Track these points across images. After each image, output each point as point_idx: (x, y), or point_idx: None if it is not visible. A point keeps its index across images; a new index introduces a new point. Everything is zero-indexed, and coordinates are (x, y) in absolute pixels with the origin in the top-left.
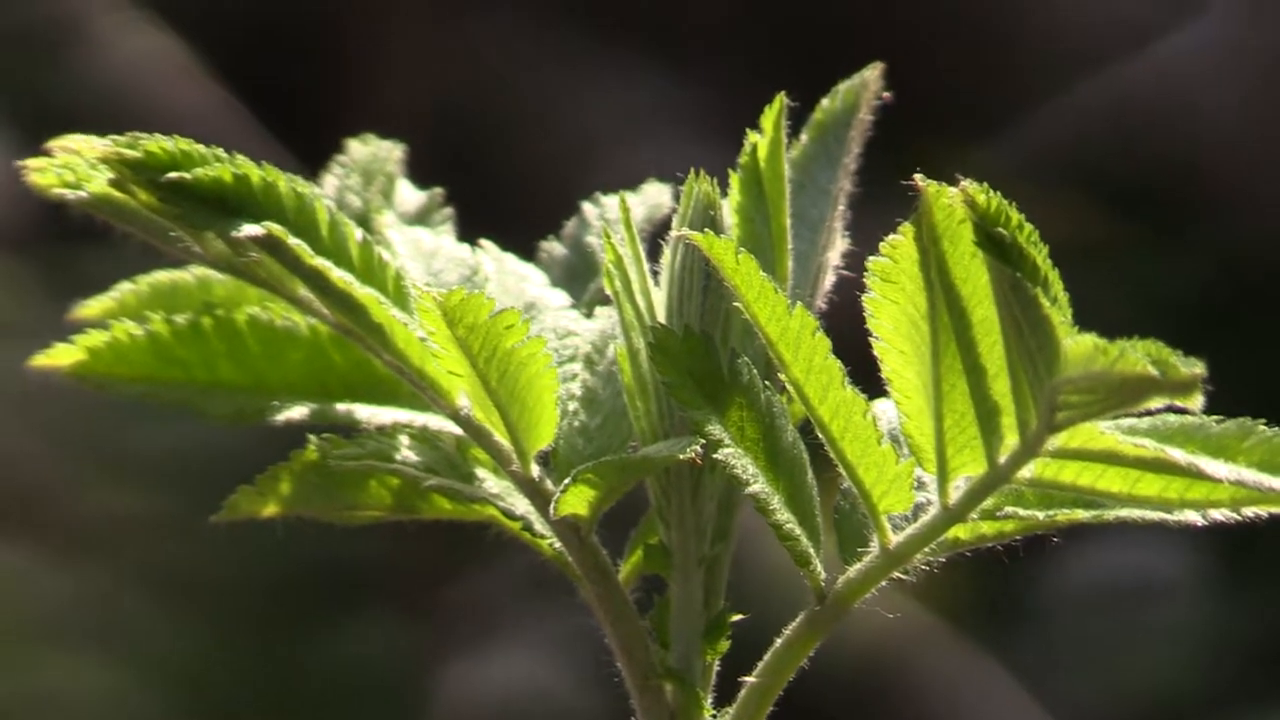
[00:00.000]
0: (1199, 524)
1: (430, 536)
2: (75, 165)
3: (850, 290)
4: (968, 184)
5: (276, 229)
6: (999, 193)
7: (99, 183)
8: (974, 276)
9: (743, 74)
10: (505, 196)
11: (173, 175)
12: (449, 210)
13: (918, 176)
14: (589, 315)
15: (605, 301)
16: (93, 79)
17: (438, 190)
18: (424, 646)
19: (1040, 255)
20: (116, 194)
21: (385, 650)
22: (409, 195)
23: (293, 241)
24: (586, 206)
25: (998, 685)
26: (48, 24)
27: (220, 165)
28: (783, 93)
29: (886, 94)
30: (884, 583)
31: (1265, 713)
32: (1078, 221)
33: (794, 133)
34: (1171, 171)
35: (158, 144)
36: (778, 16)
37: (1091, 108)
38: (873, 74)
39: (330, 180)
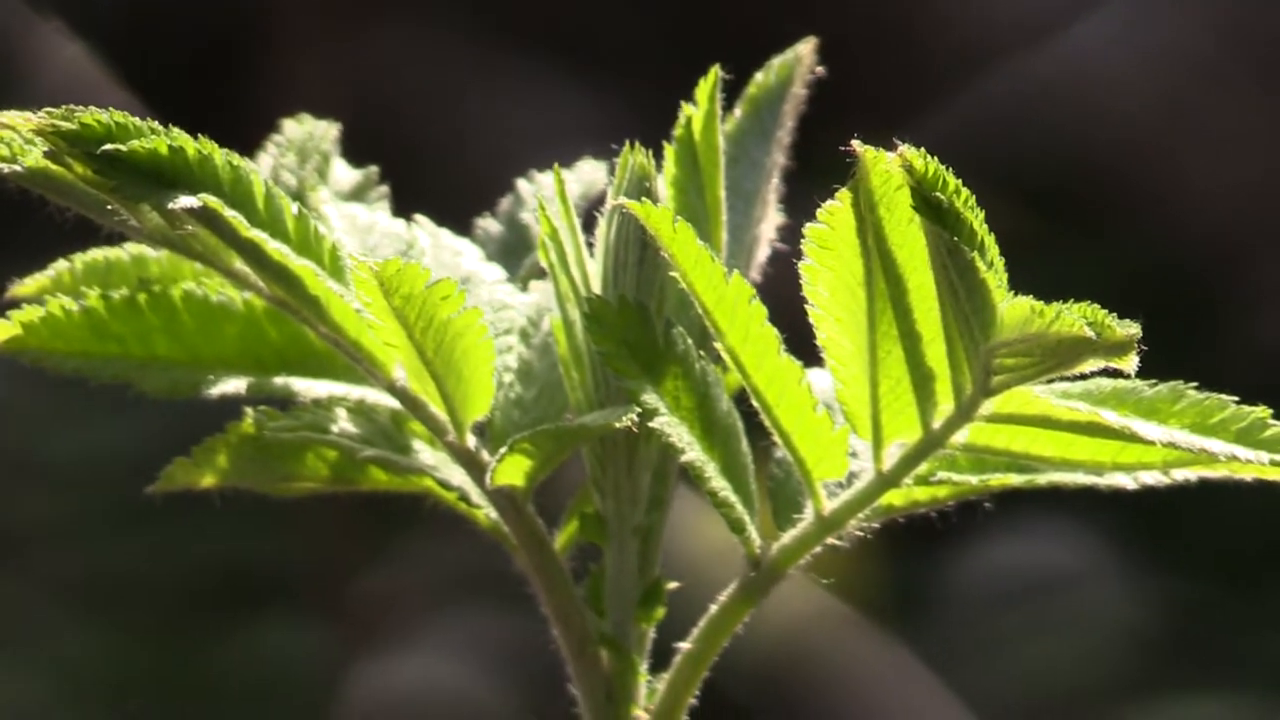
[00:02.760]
0: (1129, 488)
1: (343, 535)
2: (10, 140)
3: (783, 264)
4: (906, 149)
5: (212, 201)
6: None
7: (34, 156)
8: (911, 242)
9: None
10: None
11: (108, 147)
12: (384, 188)
13: (855, 142)
14: (524, 289)
15: (541, 276)
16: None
17: (372, 168)
18: (337, 647)
19: (977, 220)
20: (53, 167)
21: (298, 651)
22: (344, 173)
23: (229, 213)
24: (522, 183)
25: (908, 674)
26: None
27: (156, 137)
28: (717, 65)
29: (819, 69)
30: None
31: (1171, 702)
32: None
33: (729, 107)
34: (1085, 165)
35: (93, 116)
36: (694, 31)
37: (1002, 101)
38: (806, 48)
39: (265, 159)
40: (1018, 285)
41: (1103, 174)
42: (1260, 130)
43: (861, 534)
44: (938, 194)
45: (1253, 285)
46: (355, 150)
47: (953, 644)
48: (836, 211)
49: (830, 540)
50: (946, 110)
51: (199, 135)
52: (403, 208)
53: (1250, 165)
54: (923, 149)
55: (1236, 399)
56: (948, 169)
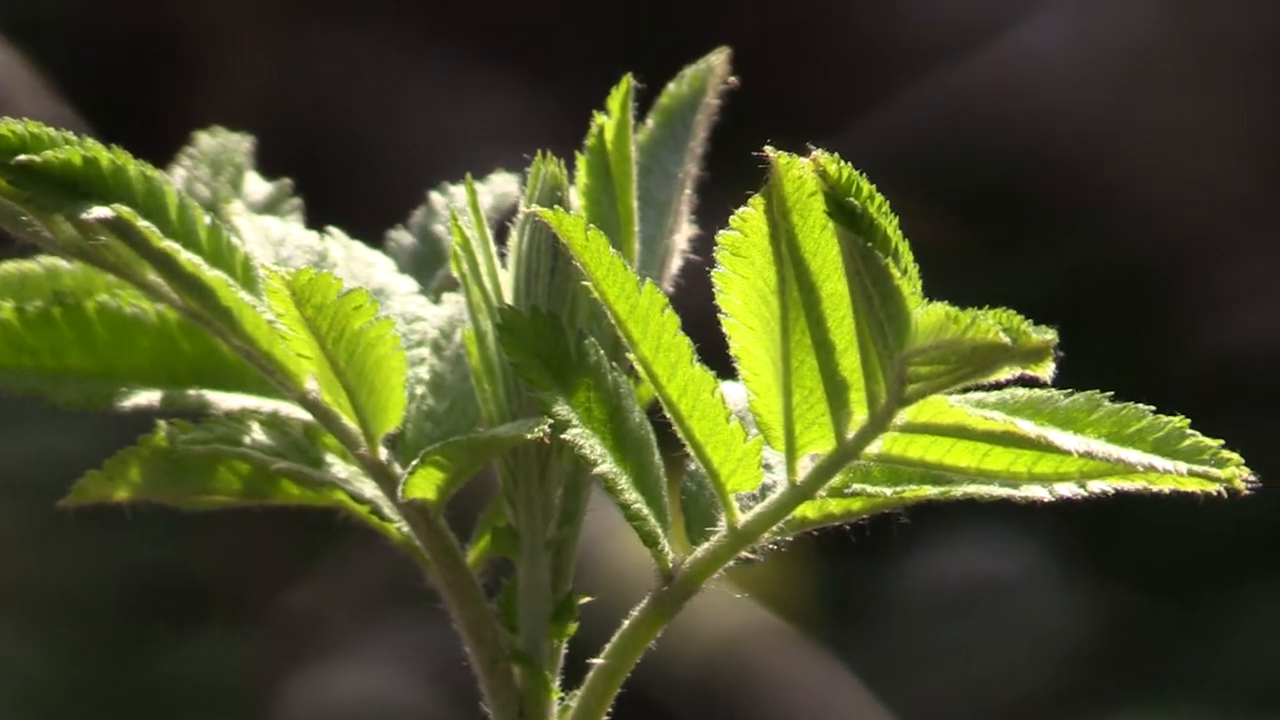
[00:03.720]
0: (1045, 499)
1: (272, 545)
2: None
3: (697, 275)
4: (819, 154)
5: (125, 211)
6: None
7: None
8: (824, 250)
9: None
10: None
11: (22, 157)
12: (297, 200)
13: (768, 148)
14: (437, 301)
15: (454, 288)
16: None
17: (285, 180)
18: (266, 657)
19: (891, 226)
20: None
21: (227, 661)
22: (257, 186)
23: (141, 224)
24: (434, 196)
25: (841, 686)
26: None
27: (70, 148)
28: (629, 74)
29: (732, 79)
30: (730, 566)
31: (1110, 713)
32: (928, 223)
33: (642, 117)
34: (1023, 171)
35: (7, 127)
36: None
37: (940, 105)
38: (719, 59)
39: (179, 171)
40: (961, 292)
41: (1049, 176)
42: (1208, 129)
43: (778, 546)
44: (851, 199)
45: (1203, 288)
46: (282, 161)
47: (889, 655)
48: (749, 218)
49: (744, 553)
50: (888, 114)
51: (124, 143)
52: (326, 218)
53: (1198, 165)
54: (836, 154)
55: (1154, 408)
56: (862, 174)
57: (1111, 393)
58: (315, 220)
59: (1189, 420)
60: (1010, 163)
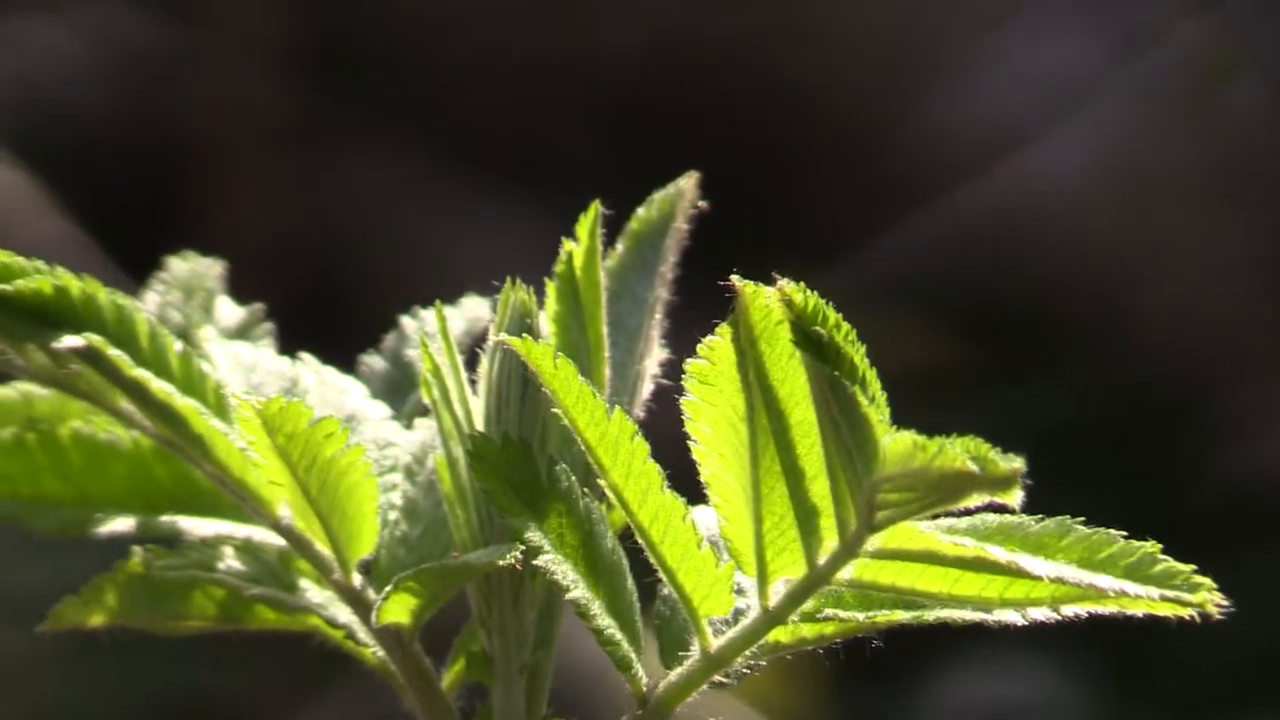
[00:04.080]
0: (1020, 624)
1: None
2: None
3: (669, 399)
4: (785, 283)
5: (96, 340)
6: (842, 313)
7: None
8: (792, 377)
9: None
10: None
11: None
12: (269, 325)
13: (734, 277)
14: (409, 427)
15: (425, 413)
16: None
17: (258, 305)
18: None
19: (858, 354)
20: None
21: None
22: (229, 311)
23: (113, 353)
24: (405, 320)
25: None
26: None
27: (40, 277)
28: (597, 201)
29: (702, 203)
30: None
31: None
32: (938, 345)
33: (610, 243)
34: (1037, 293)
35: None
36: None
37: (951, 226)
38: (688, 183)
39: (151, 296)
40: (972, 416)
41: (1063, 298)
42: (1225, 251)
43: (757, 670)
44: (817, 329)
45: (1220, 412)
46: (290, 283)
47: None
48: (717, 346)
49: (718, 677)
50: (900, 236)
51: (132, 262)
52: (331, 340)
53: (1215, 287)
54: (802, 283)
55: (1126, 534)
56: (828, 303)
57: (1084, 518)
58: (320, 344)
59: (1160, 545)
60: (1024, 284)
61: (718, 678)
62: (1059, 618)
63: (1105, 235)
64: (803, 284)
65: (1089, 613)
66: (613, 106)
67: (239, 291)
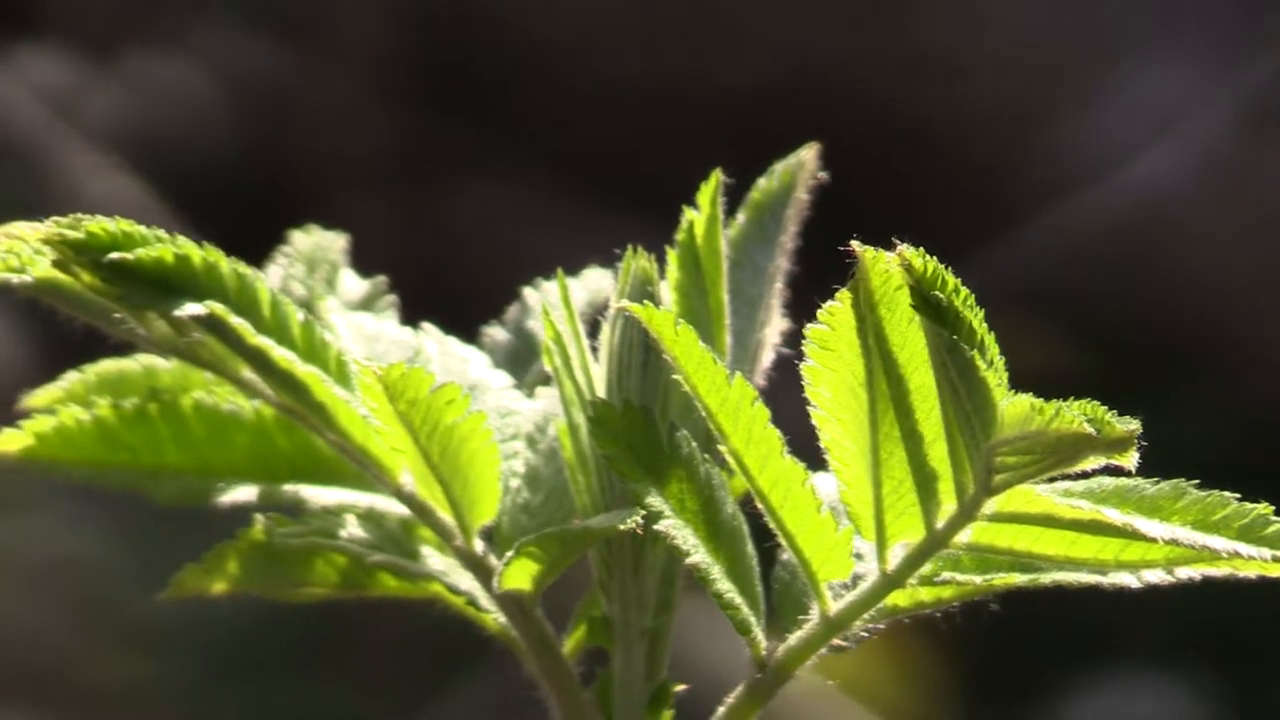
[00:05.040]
0: (1134, 586)
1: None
2: (19, 250)
3: (789, 368)
4: (904, 248)
5: (218, 308)
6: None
7: (43, 266)
8: (911, 342)
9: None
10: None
11: (115, 256)
12: (392, 297)
13: (854, 243)
14: (531, 395)
15: (547, 383)
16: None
17: (381, 278)
18: None
19: (977, 319)
20: (61, 277)
21: None
22: (352, 283)
23: (235, 320)
24: (528, 291)
25: None
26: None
27: (162, 245)
28: (718, 169)
29: (822, 174)
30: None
31: None
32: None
33: (732, 213)
34: (1167, 317)
35: (99, 225)
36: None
37: (1074, 248)
38: (809, 154)
39: (274, 269)
40: None
41: (1196, 322)
42: None
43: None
44: (937, 293)
45: None
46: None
47: None
48: (837, 312)
49: (836, 641)
50: (1014, 244)
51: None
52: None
53: None
54: (921, 249)
55: (1239, 496)
56: (947, 268)
57: (1198, 481)
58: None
59: (1273, 507)
60: (1157, 307)
61: (836, 641)
62: (1173, 579)
63: (1238, 263)
64: (922, 249)
65: (1213, 629)
66: (730, 134)
67: None
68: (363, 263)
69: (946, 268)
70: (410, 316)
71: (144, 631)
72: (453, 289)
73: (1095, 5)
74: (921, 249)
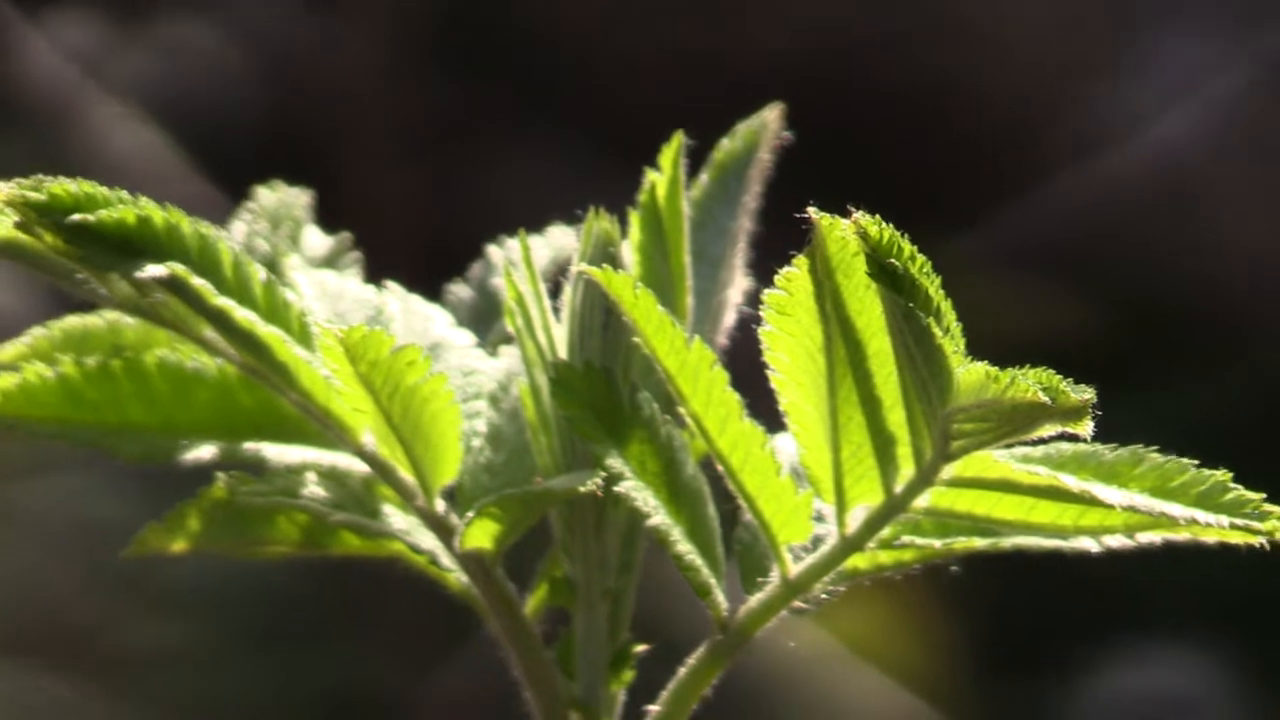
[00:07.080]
0: (1093, 550)
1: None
2: None
3: (754, 328)
4: (860, 215)
5: (179, 269)
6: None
7: (5, 226)
8: (869, 309)
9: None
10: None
11: (76, 217)
12: (356, 254)
13: (811, 209)
14: (494, 354)
15: (510, 341)
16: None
17: (345, 234)
18: None
19: (933, 286)
20: (23, 237)
21: None
22: (316, 240)
23: (196, 281)
24: (491, 249)
25: None
26: (36, 112)
27: (123, 207)
28: (680, 131)
29: (785, 134)
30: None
31: None
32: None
33: (695, 173)
34: (1191, 291)
35: (61, 186)
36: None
37: (1097, 198)
38: (772, 114)
39: (238, 225)
40: (1125, 410)
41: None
42: None
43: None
44: (893, 260)
45: None
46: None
47: None
48: (795, 278)
49: (797, 603)
50: (1026, 207)
51: None
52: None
53: None
54: (878, 215)
55: (1198, 462)
56: (903, 235)
57: (1156, 447)
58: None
59: (1231, 474)
60: (1181, 280)
61: (797, 604)
62: (1135, 545)
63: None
64: (878, 216)
65: (1233, 597)
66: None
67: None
68: (385, 222)
69: (904, 235)
70: (434, 278)
71: (170, 595)
72: (475, 250)
73: None
74: (878, 216)
